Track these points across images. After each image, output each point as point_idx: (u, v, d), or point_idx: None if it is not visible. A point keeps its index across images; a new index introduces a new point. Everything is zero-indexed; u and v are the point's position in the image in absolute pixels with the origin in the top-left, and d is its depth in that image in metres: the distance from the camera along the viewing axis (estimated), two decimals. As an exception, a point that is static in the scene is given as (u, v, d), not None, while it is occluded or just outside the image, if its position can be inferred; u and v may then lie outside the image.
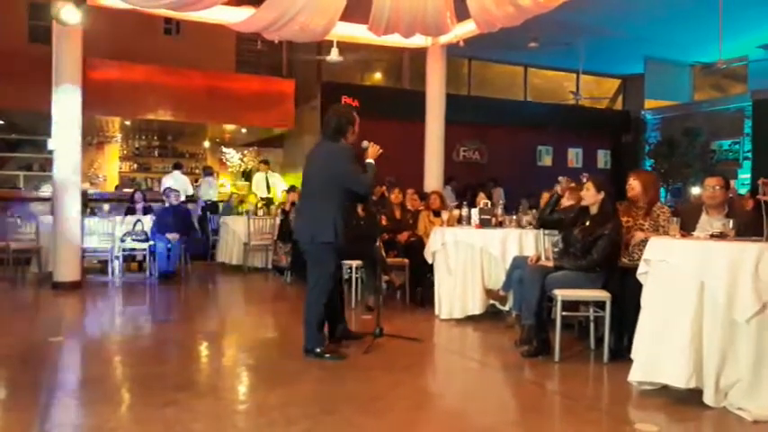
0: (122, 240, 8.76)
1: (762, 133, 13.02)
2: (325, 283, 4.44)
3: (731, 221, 3.73)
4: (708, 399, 3.40)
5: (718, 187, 4.27)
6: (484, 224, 5.90)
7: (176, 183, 10.89)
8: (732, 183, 8.61)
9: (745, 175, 13.13)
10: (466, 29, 8.48)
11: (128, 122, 13.27)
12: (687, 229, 4.02)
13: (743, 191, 10.02)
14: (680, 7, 10.25)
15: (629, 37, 12.19)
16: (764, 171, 11.65)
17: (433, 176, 9.59)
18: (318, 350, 4.41)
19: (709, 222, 4.14)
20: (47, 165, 11.43)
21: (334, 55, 9.47)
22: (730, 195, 4.47)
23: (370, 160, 4.48)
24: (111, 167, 13.99)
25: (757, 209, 3.61)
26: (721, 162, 13.65)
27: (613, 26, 11.58)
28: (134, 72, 11.30)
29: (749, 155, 13.37)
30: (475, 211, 6.08)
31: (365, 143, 4.56)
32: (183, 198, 9.72)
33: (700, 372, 3.42)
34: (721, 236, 3.65)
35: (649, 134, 15.50)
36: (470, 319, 5.75)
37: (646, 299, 3.78)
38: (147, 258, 8.86)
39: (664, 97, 15.26)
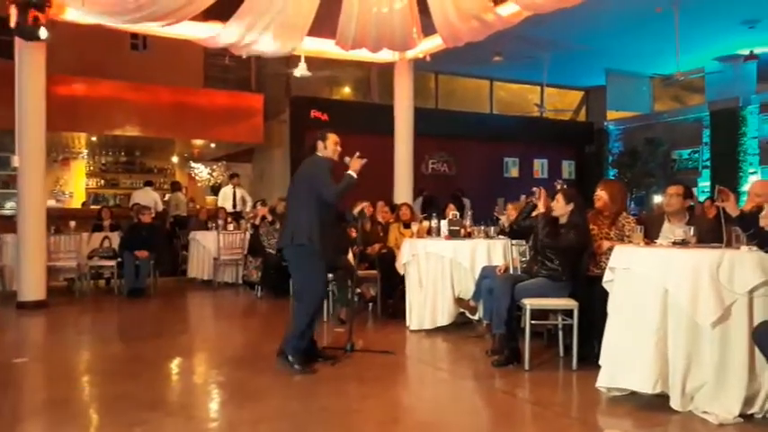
0: (89, 258, 8.62)
1: (719, 142, 13.40)
2: (313, 286, 4.50)
3: (692, 229, 3.83)
4: (674, 403, 3.48)
5: (676, 196, 4.38)
6: (453, 235, 5.99)
7: (146, 199, 10.80)
8: (694, 191, 8.84)
9: (704, 183, 13.49)
10: (432, 44, 8.61)
11: (94, 138, 13.08)
12: (650, 236, 4.12)
13: (702, 198, 10.28)
14: (639, 21, 10.53)
15: (590, 50, 12.47)
16: (723, 179, 12.00)
17: (402, 189, 9.65)
18: (291, 359, 4.41)
19: (672, 230, 4.22)
20: (10, 181, 11.21)
21: (302, 69, 9.49)
22: (691, 203, 4.59)
23: (350, 172, 4.52)
24: (78, 184, 13.77)
25: (718, 216, 3.73)
26: (682, 171, 14.01)
27: (575, 40, 11.84)
28: (100, 88, 11.16)
29: (708, 163, 13.75)
30: (444, 223, 6.16)
31: (347, 159, 4.62)
32: (153, 214, 9.61)
33: (665, 377, 3.50)
34: (683, 243, 3.75)
35: (612, 144, 15.83)
36: (441, 329, 5.79)
37: (612, 306, 3.86)
38: (115, 276, 8.72)
39: (625, 108, 15.62)
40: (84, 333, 6.53)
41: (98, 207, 10.83)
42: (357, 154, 4.58)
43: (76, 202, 13.24)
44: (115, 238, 8.89)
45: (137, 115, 11.46)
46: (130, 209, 10.19)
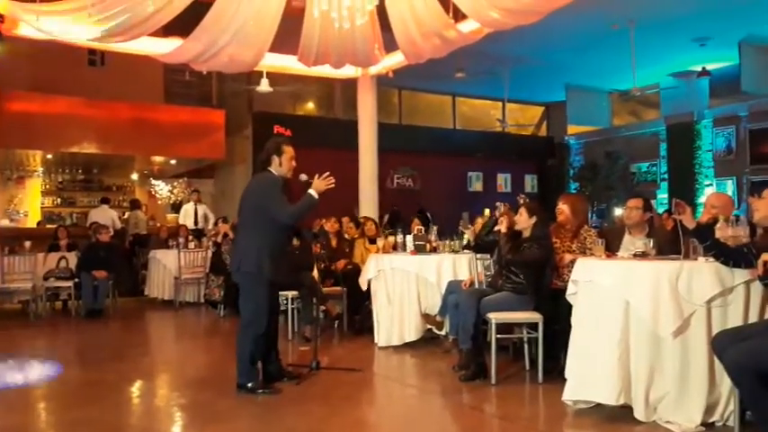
0: (45, 279, 8.37)
1: (676, 156, 13.77)
2: (256, 317, 4.31)
3: (652, 241, 3.90)
4: (638, 414, 3.51)
5: (635, 209, 4.46)
6: (419, 250, 5.99)
7: (104, 217, 10.56)
8: (653, 203, 9.03)
9: (663, 195, 13.82)
10: (395, 60, 8.65)
11: (50, 156, 12.79)
12: (612, 249, 4.18)
13: (660, 210, 10.52)
14: (596, 38, 10.78)
15: (550, 66, 12.70)
16: (680, 191, 12.33)
17: (367, 204, 9.63)
18: (250, 385, 4.30)
19: (632, 242, 4.30)
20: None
21: (264, 85, 9.45)
22: (650, 215, 4.68)
23: (311, 191, 4.28)
24: (33, 203, 13.41)
25: (676, 228, 3.80)
26: (641, 183, 14.34)
27: (535, 56, 12.05)
28: (56, 104, 10.92)
29: (666, 176, 14.10)
30: (409, 238, 6.16)
31: (303, 176, 4.42)
32: (111, 233, 9.40)
33: (628, 388, 3.53)
34: (643, 255, 3.82)
35: (573, 158, 16.13)
36: (408, 345, 5.76)
37: (576, 318, 3.88)
38: (73, 297, 8.48)
39: (585, 123, 15.91)
40: (41, 357, 6.30)
41: (54, 226, 10.55)
42: (326, 174, 4.30)
43: (31, 221, 12.88)
44: (72, 258, 8.65)
45: (95, 132, 11.24)
46: (89, 228, 9.94)
